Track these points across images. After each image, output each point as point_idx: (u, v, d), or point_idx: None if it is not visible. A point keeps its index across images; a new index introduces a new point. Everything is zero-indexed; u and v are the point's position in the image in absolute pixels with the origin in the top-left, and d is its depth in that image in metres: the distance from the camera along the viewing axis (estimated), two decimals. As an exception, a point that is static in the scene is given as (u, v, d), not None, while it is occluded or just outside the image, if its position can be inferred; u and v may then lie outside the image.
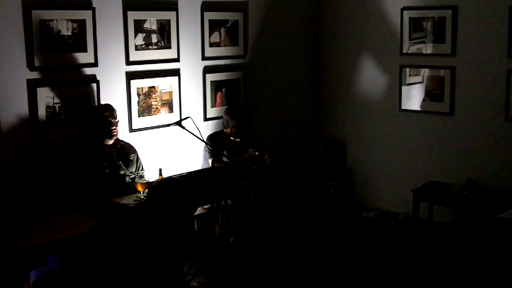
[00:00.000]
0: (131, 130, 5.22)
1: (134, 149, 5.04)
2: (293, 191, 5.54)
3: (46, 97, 4.64)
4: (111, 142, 4.84)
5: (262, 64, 6.29)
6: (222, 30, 5.86)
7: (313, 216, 6.23)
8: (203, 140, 5.01)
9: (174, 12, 5.43)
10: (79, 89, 4.85)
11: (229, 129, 5.51)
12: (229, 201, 5.07)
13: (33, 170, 4.61)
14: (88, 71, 4.90)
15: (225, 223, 5.12)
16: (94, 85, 4.92)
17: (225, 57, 5.93)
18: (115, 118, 4.80)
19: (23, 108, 4.55)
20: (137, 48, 5.19)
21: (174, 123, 4.97)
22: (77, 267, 3.56)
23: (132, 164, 4.93)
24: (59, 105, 4.73)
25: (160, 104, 5.41)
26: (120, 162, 4.84)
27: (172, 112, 5.51)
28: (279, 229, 5.51)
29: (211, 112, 5.87)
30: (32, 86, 4.57)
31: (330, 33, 6.76)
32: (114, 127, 4.78)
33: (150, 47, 5.28)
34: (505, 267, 4.87)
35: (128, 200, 4.49)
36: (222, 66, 5.92)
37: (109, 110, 4.79)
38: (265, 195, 5.47)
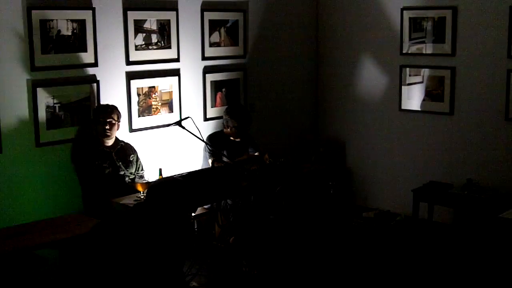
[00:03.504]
0: (131, 130, 5.22)
1: (134, 149, 5.04)
2: (293, 191, 5.54)
3: (46, 97, 4.64)
4: (110, 142, 4.84)
5: (262, 64, 6.29)
6: (222, 30, 5.86)
7: (313, 216, 6.23)
8: (203, 140, 5.01)
9: (174, 12, 5.43)
10: (79, 89, 4.85)
11: (229, 129, 5.51)
12: (229, 201, 5.07)
13: (33, 170, 4.61)
14: (88, 71, 4.90)
15: (225, 223, 5.12)
16: (94, 85, 4.92)
17: (225, 57, 5.93)
18: (113, 119, 4.78)
19: (23, 108, 4.55)
20: (137, 48, 5.19)
21: (174, 123, 4.97)
22: (78, 267, 3.56)
23: (132, 165, 4.93)
24: (59, 105, 4.73)
25: (160, 104, 5.41)
26: (120, 163, 4.84)
27: (172, 112, 5.51)
28: (279, 229, 5.51)
29: (211, 112, 5.87)
30: (32, 86, 4.57)
31: (330, 33, 6.76)
32: (108, 127, 4.76)
33: (150, 47, 5.28)
34: (505, 267, 4.87)
35: (128, 200, 4.49)
36: (222, 66, 5.92)
37: (108, 110, 4.78)
38: (265, 195, 5.47)
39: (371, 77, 6.53)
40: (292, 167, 5.26)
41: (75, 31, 4.76)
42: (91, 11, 4.85)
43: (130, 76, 5.17)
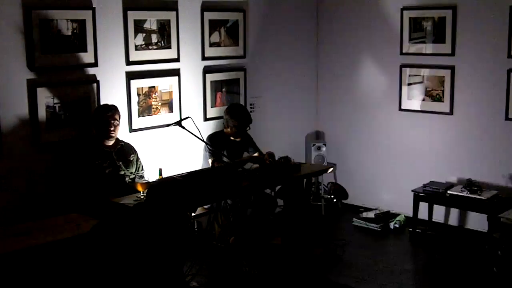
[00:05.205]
0: (131, 130, 5.22)
1: (134, 149, 5.04)
2: (292, 191, 5.54)
3: (46, 97, 4.64)
4: (110, 142, 4.84)
5: (262, 64, 6.29)
6: (222, 30, 5.86)
7: (312, 216, 6.23)
8: (203, 140, 5.01)
9: (174, 12, 5.43)
10: (79, 89, 4.85)
11: (229, 129, 5.51)
12: (229, 201, 5.07)
13: (33, 170, 4.61)
14: (88, 71, 4.90)
15: (225, 223, 5.12)
16: (94, 85, 4.92)
17: (225, 57, 5.93)
18: (116, 119, 4.79)
19: (23, 108, 4.55)
20: (137, 48, 5.19)
21: (174, 123, 4.97)
22: (78, 267, 3.56)
23: (132, 165, 4.93)
24: (59, 105, 4.73)
25: (160, 104, 5.41)
26: (120, 163, 4.84)
27: (172, 112, 5.51)
28: (279, 229, 5.51)
29: (211, 112, 5.87)
30: (32, 86, 4.57)
31: (330, 33, 6.76)
32: (112, 128, 4.77)
33: (150, 47, 5.28)
34: (505, 267, 4.87)
35: (128, 200, 4.49)
36: (222, 66, 5.92)
37: (111, 110, 4.79)
38: (265, 195, 5.47)
39: (371, 77, 6.53)
40: (292, 167, 5.25)
41: (75, 31, 4.76)
42: (91, 11, 4.84)
43: (130, 76, 5.17)
